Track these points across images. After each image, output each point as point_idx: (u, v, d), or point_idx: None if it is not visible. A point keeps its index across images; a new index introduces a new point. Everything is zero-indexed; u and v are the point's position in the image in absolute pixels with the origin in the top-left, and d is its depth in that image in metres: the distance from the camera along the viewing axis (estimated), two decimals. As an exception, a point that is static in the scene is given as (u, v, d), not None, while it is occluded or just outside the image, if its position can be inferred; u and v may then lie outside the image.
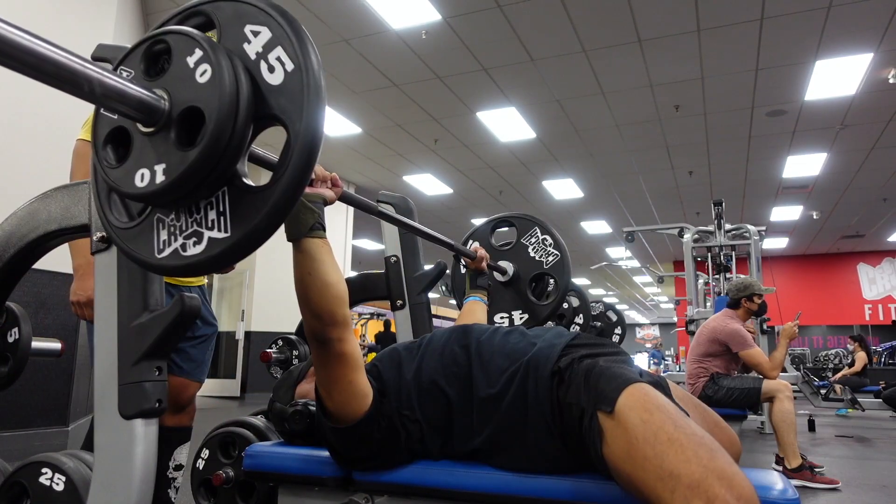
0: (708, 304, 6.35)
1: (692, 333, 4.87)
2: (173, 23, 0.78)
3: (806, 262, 12.60)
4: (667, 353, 19.23)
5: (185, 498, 1.67)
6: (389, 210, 1.61)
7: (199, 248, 0.73)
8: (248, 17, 0.73)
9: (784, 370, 4.32)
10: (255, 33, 0.72)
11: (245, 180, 0.73)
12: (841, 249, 12.15)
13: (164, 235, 0.76)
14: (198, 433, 1.63)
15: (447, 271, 2.11)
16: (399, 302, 1.98)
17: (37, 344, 1.35)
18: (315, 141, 0.70)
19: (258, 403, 3.33)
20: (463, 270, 2.10)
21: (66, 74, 0.58)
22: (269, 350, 2.27)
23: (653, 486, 0.81)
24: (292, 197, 0.71)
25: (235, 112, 0.68)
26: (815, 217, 9.59)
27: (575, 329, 3.76)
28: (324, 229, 1.01)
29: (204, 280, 1.82)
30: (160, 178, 0.69)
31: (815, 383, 6.68)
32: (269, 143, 5.55)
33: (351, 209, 7.90)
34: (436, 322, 2.68)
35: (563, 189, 8.51)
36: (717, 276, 6.09)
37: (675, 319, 12.58)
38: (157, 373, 0.97)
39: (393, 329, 2.18)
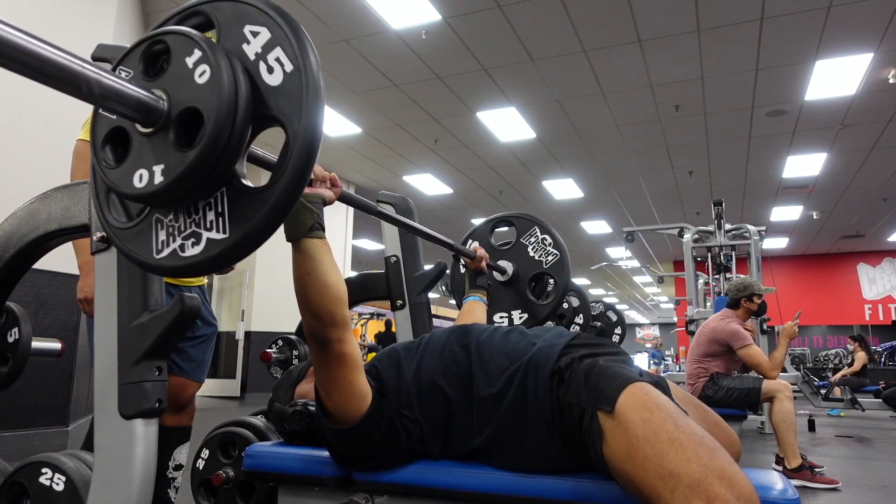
0: (708, 304, 6.35)
1: (692, 333, 4.87)
2: (172, 23, 0.78)
3: (806, 262, 12.59)
4: (667, 353, 19.23)
5: (185, 498, 1.67)
6: (389, 210, 1.62)
7: (198, 249, 0.73)
8: (248, 18, 0.73)
9: (784, 370, 4.32)
10: (255, 34, 0.72)
11: (244, 181, 0.73)
12: (841, 249, 12.15)
13: (162, 236, 0.76)
14: (198, 433, 1.63)
15: (447, 271, 2.11)
16: (399, 302, 1.98)
17: (37, 344, 1.36)
18: (314, 142, 0.70)
19: (258, 403, 3.33)
20: (462, 270, 2.09)
21: (65, 75, 0.58)
22: (269, 350, 2.27)
23: (653, 486, 0.81)
24: (291, 198, 0.71)
25: (234, 113, 0.67)
26: (815, 217, 9.59)
27: (575, 329, 3.76)
28: (323, 229, 1.01)
29: (204, 280, 1.82)
30: (159, 178, 0.69)
31: (815, 383, 6.68)
32: (269, 142, 5.55)
33: (351, 209, 7.90)
34: (436, 322, 2.68)
35: (563, 189, 8.51)
36: (717, 276, 6.09)
37: (675, 319, 12.58)
38: (157, 373, 0.97)
39: (394, 329, 2.18)
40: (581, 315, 3.77)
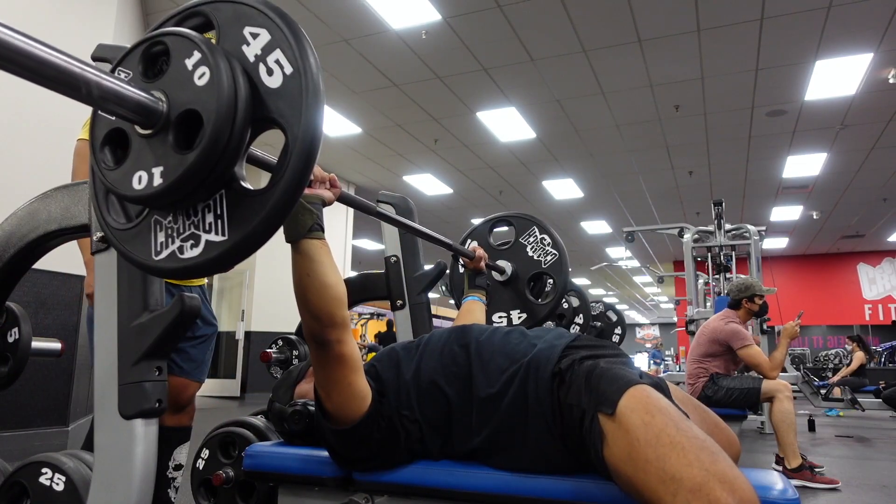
0: (708, 304, 6.35)
1: (692, 333, 4.87)
2: (172, 23, 0.78)
3: (806, 262, 12.59)
4: (667, 353, 19.24)
5: (185, 498, 1.67)
6: (389, 210, 1.62)
7: (196, 251, 0.73)
8: (248, 19, 0.73)
9: (784, 370, 4.32)
10: (255, 35, 0.72)
11: (243, 183, 0.73)
12: (841, 249, 12.15)
13: (161, 237, 0.76)
14: (198, 433, 1.63)
15: (447, 271, 2.11)
16: (399, 302, 1.99)
17: (37, 344, 1.36)
18: (313, 145, 0.70)
19: (258, 403, 3.34)
20: (461, 270, 2.09)
21: (64, 77, 0.58)
22: (269, 350, 2.27)
23: (654, 489, 0.81)
24: (290, 201, 0.70)
25: (234, 115, 0.67)
26: (815, 217, 9.59)
27: (575, 329, 3.76)
28: (322, 230, 1.01)
29: (204, 280, 1.82)
30: (158, 180, 0.69)
31: (815, 383, 6.68)
32: (270, 142, 5.55)
33: (351, 209, 7.90)
34: (436, 322, 2.68)
35: (562, 189, 8.51)
36: (717, 276, 6.09)
37: (675, 319, 12.58)
38: (157, 373, 0.97)
39: (395, 329, 2.19)
40: (581, 315, 3.78)
